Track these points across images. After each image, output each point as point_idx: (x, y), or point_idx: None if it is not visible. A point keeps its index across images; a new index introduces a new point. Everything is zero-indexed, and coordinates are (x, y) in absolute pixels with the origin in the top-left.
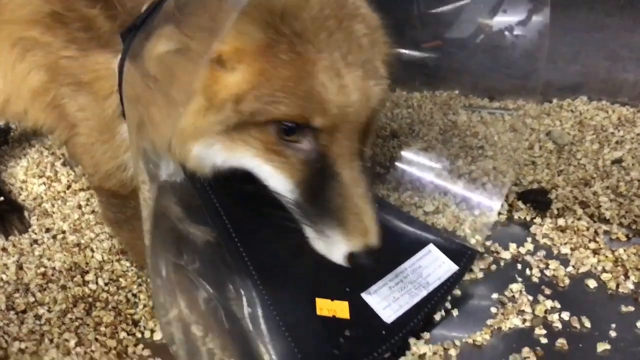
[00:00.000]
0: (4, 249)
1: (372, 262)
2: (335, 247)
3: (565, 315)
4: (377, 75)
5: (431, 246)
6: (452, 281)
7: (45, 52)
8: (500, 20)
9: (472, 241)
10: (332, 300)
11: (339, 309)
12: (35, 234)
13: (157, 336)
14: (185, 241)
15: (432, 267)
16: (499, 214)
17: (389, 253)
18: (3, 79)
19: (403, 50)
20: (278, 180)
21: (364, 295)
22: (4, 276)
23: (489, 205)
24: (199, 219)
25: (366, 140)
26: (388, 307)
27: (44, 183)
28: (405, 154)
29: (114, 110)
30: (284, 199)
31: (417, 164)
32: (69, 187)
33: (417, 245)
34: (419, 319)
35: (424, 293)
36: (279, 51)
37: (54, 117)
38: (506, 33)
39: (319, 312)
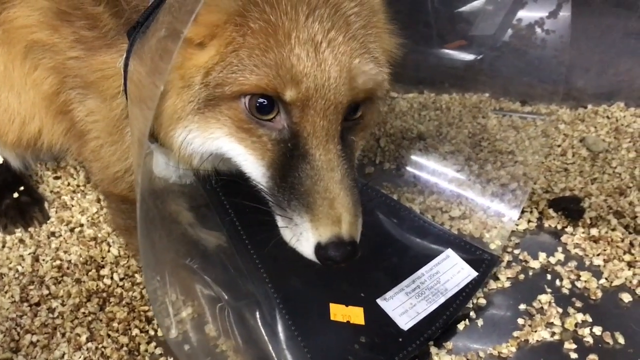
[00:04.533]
0: (21, 241)
1: (344, 258)
2: (303, 237)
3: (597, 330)
4: (369, 57)
5: (449, 251)
6: (471, 288)
7: (53, 54)
8: (529, 14)
9: (492, 247)
10: (347, 306)
11: (354, 314)
12: (53, 226)
13: (171, 334)
14: (196, 246)
15: (450, 272)
16: (529, 221)
17: (405, 258)
18: (17, 100)
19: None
20: (249, 162)
21: (379, 301)
22: (19, 267)
23: (508, 212)
24: (211, 224)
25: (356, 126)
26: (405, 314)
27: (59, 177)
28: (417, 158)
29: (122, 110)
30: (258, 186)
31: (429, 169)
32: (88, 181)
33: (434, 249)
34: (437, 326)
35: (442, 300)
36: (249, 19)
37: (65, 126)
38: (537, 28)
39: (332, 318)
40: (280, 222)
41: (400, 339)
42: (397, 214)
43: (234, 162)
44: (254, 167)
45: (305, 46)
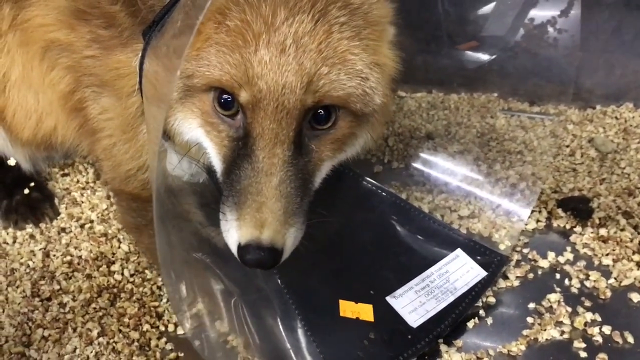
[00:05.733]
0: (32, 236)
1: (257, 263)
2: (229, 234)
3: (607, 329)
4: (345, 68)
5: (459, 251)
6: (481, 287)
7: (70, 53)
8: (541, 13)
9: (502, 247)
10: (356, 302)
11: (363, 311)
12: (64, 222)
13: (181, 330)
14: (207, 243)
15: (459, 272)
16: (537, 221)
17: (415, 257)
18: (35, 99)
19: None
20: (212, 155)
21: (388, 298)
22: (30, 263)
23: (517, 212)
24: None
25: (325, 136)
26: (414, 312)
27: (67, 174)
28: (426, 157)
29: (137, 108)
30: (220, 181)
31: (438, 168)
32: (98, 177)
33: (444, 250)
34: (446, 324)
35: (451, 298)
36: (227, 17)
37: (78, 122)
38: (549, 27)
39: (342, 314)
40: (220, 214)
41: (409, 336)
42: (406, 214)
43: (207, 157)
44: (214, 160)
45: (271, 49)
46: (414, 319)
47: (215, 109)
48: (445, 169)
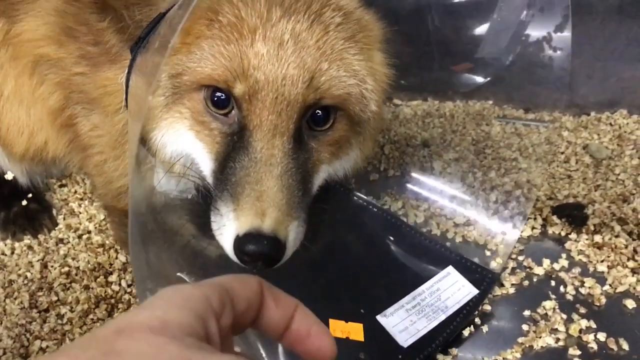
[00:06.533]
0: (30, 247)
1: (259, 253)
2: (224, 229)
3: (602, 336)
4: (344, 65)
5: (450, 268)
6: (472, 306)
7: (59, 69)
8: (536, 33)
9: (494, 264)
10: (346, 322)
11: (353, 330)
12: (62, 232)
13: None
14: (198, 257)
15: (451, 290)
16: (533, 228)
17: (406, 275)
18: (26, 114)
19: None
20: (201, 156)
21: (379, 317)
22: (28, 274)
23: (511, 221)
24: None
25: (324, 137)
26: (405, 331)
27: (65, 185)
28: (421, 165)
29: (123, 125)
30: (210, 187)
31: (434, 176)
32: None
33: (435, 266)
34: (437, 344)
35: (442, 317)
36: (220, 14)
37: (68, 138)
38: (544, 44)
39: (332, 334)
40: (211, 214)
41: (400, 356)
42: (398, 230)
43: (195, 164)
44: (203, 160)
45: (268, 43)
46: (405, 339)
47: (207, 107)
48: (440, 176)
